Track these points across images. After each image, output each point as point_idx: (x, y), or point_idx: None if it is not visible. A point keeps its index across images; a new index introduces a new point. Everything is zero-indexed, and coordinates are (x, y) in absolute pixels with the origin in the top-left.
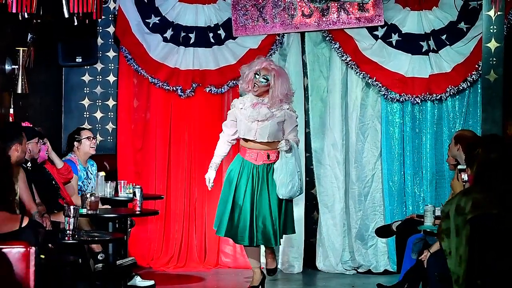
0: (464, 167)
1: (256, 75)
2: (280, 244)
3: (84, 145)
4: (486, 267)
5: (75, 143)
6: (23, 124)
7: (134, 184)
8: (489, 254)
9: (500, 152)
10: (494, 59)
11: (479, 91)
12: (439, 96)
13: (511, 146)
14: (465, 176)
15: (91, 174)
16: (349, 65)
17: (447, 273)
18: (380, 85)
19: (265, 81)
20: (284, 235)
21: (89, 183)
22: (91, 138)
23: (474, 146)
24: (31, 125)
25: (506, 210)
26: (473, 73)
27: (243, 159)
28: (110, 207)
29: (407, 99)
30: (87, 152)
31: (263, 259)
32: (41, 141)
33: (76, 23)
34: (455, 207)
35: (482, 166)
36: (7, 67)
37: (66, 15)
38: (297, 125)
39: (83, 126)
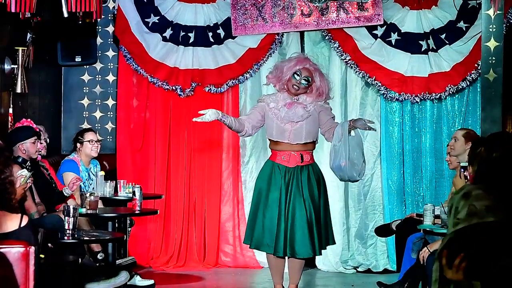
0: (467, 164)
1: (296, 75)
2: (320, 255)
3: (86, 147)
4: (476, 268)
5: (78, 144)
6: (24, 123)
7: (133, 183)
8: (478, 257)
9: (502, 151)
10: (493, 58)
11: (479, 90)
12: (438, 95)
13: None
14: (467, 174)
15: (93, 175)
16: (349, 65)
17: None
18: (380, 84)
19: (306, 83)
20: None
21: (91, 184)
22: (93, 142)
23: (477, 144)
24: (33, 124)
25: (503, 217)
26: (473, 72)
27: (273, 163)
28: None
29: (406, 98)
30: (88, 154)
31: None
32: (39, 141)
33: (80, 22)
34: (454, 208)
35: (483, 164)
36: (6, 67)
37: (66, 15)
38: (333, 117)
39: (83, 126)
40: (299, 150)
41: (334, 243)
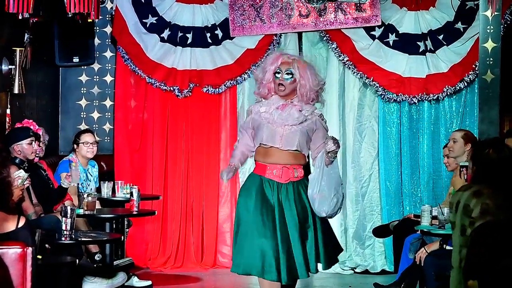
0: (467, 163)
1: (277, 74)
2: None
3: (81, 149)
4: (483, 266)
5: (75, 145)
6: (25, 124)
7: (131, 184)
8: (489, 255)
9: (508, 153)
10: (491, 59)
11: (476, 91)
12: (436, 96)
13: None
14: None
15: (91, 175)
16: (346, 65)
17: (444, 272)
18: (377, 85)
19: (291, 76)
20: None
21: (89, 185)
22: (89, 144)
23: (483, 146)
24: (35, 126)
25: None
26: (470, 73)
27: (261, 177)
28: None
29: (404, 99)
30: (84, 155)
31: None
32: (38, 143)
33: (80, 22)
34: (463, 206)
35: (490, 165)
36: (4, 67)
37: (70, 14)
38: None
39: (80, 126)
40: (292, 164)
41: (341, 250)
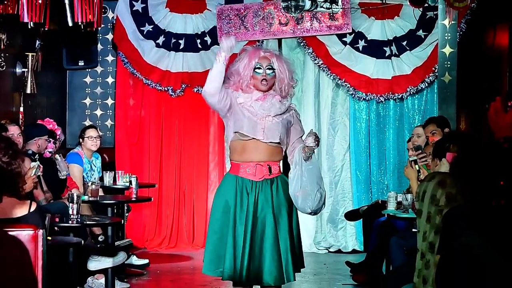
0: (415, 158)
1: (257, 70)
2: (293, 280)
3: (86, 142)
4: (446, 245)
5: (81, 139)
6: (46, 122)
7: (130, 174)
8: (455, 235)
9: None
10: (449, 62)
11: (436, 91)
12: (400, 95)
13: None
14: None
15: (95, 166)
16: (321, 68)
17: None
18: (349, 85)
19: (272, 71)
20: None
21: (92, 174)
22: (93, 138)
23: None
24: (54, 126)
25: (474, 201)
26: (430, 75)
27: (236, 177)
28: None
29: (372, 98)
30: (89, 148)
31: None
32: (53, 141)
33: (82, 31)
34: (430, 196)
35: (460, 159)
36: (18, 70)
37: (70, 24)
38: (302, 136)
39: (85, 122)
40: (267, 161)
41: (303, 266)
